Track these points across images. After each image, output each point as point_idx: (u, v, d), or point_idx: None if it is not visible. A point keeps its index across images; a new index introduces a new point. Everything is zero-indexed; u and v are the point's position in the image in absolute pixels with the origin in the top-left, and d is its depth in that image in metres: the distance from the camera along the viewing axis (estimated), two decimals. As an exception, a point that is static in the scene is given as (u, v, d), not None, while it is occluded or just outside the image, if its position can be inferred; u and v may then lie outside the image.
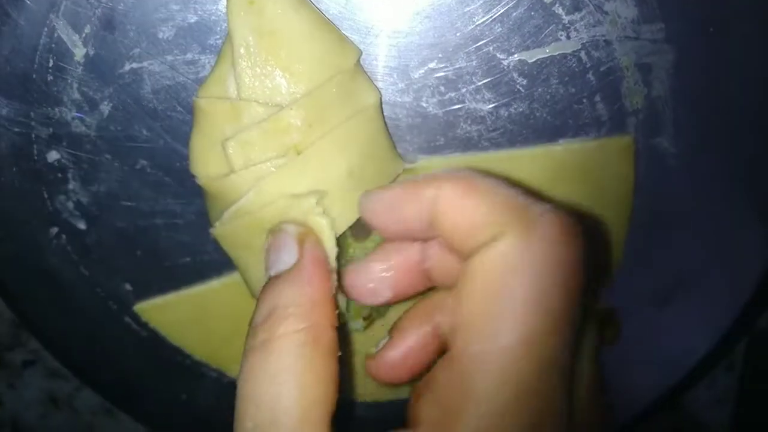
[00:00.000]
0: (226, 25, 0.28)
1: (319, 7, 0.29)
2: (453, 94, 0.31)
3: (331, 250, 0.26)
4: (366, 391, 0.39)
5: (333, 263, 0.25)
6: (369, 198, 0.25)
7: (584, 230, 0.22)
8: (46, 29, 0.31)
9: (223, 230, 0.30)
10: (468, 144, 0.32)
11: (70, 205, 0.35)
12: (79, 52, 0.31)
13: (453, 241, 0.22)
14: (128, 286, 0.37)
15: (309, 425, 0.20)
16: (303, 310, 0.22)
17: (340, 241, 0.29)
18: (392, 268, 0.26)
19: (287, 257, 0.24)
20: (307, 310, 0.22)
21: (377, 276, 0.27)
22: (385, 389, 0.38)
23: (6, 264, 0.37)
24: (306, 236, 0.25)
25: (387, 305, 0.27)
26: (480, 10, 0.29)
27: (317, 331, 0.22)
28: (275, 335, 0.22)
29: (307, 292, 0.23)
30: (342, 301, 0.32)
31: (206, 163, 0.29)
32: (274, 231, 0.25)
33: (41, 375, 0.47)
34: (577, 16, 0.29)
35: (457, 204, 0.22)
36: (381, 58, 0.30)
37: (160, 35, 0.30)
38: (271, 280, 0.24)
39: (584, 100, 0.31)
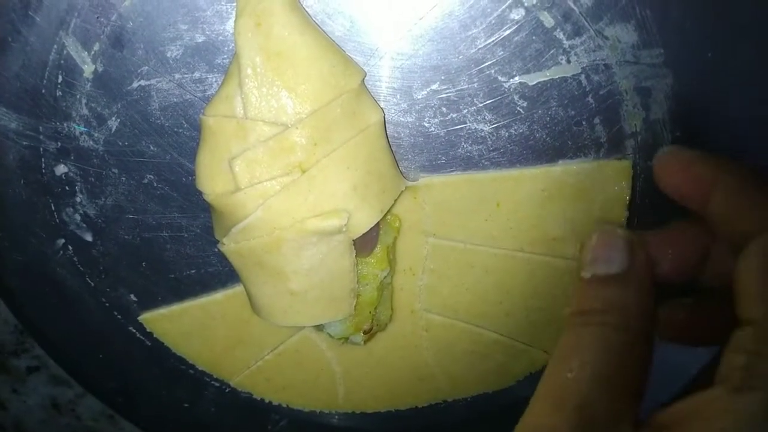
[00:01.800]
0: (233, 45, 0.29)
1: (324, 29, 0.30)
2: (455, 115, 0.31)
3: None
4: (367, 403, 0.39)
5: None
6: (666, 154, 0.27)
7: None
8: (55, 46, 0.31)
9: (235, 247, 0.30)
10: (469, 163, 0.32)
11: (77, 217, 0.35)
12: (88, 69, 0.32)
13: (725, 220, 0.25)
14: (133, 297, 0.37)
15: (623, 399, 0.23)
16: (636, 313, 0.24)
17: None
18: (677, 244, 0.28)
19: (619, 258, 0.25)
20: (635, 316, 0.24)
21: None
22: (386, 401, 0.39)
23: (13, 274, 0.37)
24: (637, 244, 0.26)
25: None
26: (482, 33, 0.30)
27: (642, 331, 0.24)
28: (608, 322, 0.24)
29: (637, 299, 0.25)
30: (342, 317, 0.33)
31: (213, 179, 0.30)
32: (602, 230, 0.26)
33: (45, 381, 0.47)
34: (577, 40, 0.30)
35: (735, 188, 0.25)
36: (385, 79, 0.31)
37: (169, 54, 0.31)
38: (602, 280, 0.25)
39: (583, 123, 0.31)
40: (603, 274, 0.25)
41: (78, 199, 0.35)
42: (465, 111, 0.31)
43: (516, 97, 0.31)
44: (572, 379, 0.23)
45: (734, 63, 0.30)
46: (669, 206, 0.33)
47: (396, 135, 0.32)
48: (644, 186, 0.32)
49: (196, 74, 0.31)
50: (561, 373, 0.24)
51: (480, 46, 0.30)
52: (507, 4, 0.29)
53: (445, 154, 0.32)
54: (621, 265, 0.25)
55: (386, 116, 0.31)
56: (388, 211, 0.32)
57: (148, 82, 0.32)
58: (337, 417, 0.40)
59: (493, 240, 0.34)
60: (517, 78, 0.31)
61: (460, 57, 0.30)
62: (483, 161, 0.32)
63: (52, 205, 0.35)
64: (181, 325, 0.38)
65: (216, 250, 0.35)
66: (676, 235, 0.28)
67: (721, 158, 0.26)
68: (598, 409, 0.23)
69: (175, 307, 0.37)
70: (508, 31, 0.30)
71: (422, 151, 0.32)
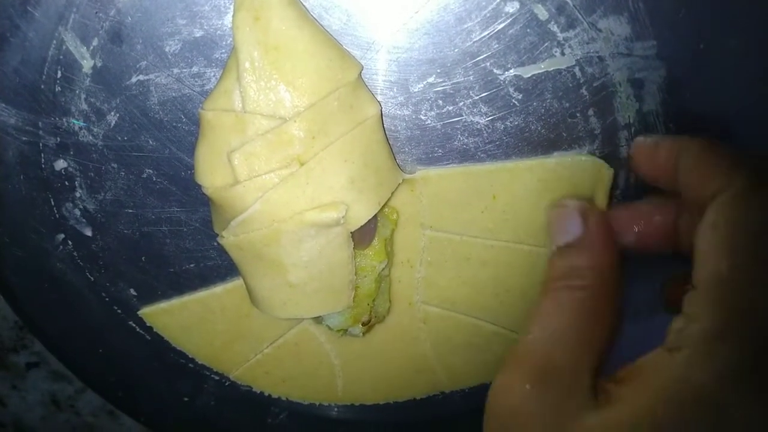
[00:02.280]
0: (231, 39, 0.29)
1: (321, 23, 0.30)
2: (451, 108, 0.32)
3: None
4: (365, 395, 0.40)
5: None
6: (635, 143, 0.30)
7: None
8: (54, 41, 0.32)
9: (234, 240, 0.31)
10: (465, 155, 0.33)
11: (77, 212, 0.35)
12: (87, 64, 0.32)
13: (690, 189, 0.26)
14: (133, 291, 0.37)
15: (579, 353, 0.25)
16: (592, 274, 0.27)
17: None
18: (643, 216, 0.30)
19: (574, 228, 0.28)
20: (596, 275, 0.27)
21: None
22: (388, 392, 0.39)
23: (13, 269, 0.37)
24: (590, 210, 0.28)
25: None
26: (477, 27, 0.30)
27: (598, 291, 0.26)
28: (567, 285, 0.27)
29: (595, 261, 0.27)
30: (341, 309, 0.33)
31: (212, 173, 0.30)
32: (556, 206, 0.29)
33: (44, 377, 0.48)
34: (571, 33, 0.30)
35: (695, 156, 0.26)
36: (381, 73, 0.31)
37: (167, 48, 0.31)
38: (562, 250, 0.28)
39: (578, 115, 0.32)
40: (562, 244, 0.28)
41: (77, 194, 0.35)
42: (461, 104, 0.32)
43: (511, 90, 0.31)
44: (531, 341, 0.26)
45: (726, 54, 0.31)
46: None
47: (393, 128, 0.32)
48: (637, 177, 0.33)
49: (195, 69, 0.32)
50: (522, 337, 0.26)
51: (475, 39, 0.30)
52: (502, -3, 0.30)
53: (441, 146, 0.33)
54: (575, 233, 0.28)
55: (383, 109, 0.31)
56: (386, 203, 0.32)
57: (146, 77, 0.32)
58: (336, 409, 0.40)
59: (489, 232, 0.34)
60: (512, 70, 0.31)
61: (456, 50, 0.31)
62: (479, 153, 0.33)
63: (52, 200, 0.35)
64: (180, 319, 0.38)
65: (215, 243, 0.35)
66: (643, 207, 0.30)
67: (681, 137, 0.28)
68: (557, 364, 0.25)
69: (175, 302, 0.37)
70: (502, 24, 0.30)
71: (419, 144, 0.33)
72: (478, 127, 0.32)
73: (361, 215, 0.30)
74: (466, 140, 0.32)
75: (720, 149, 0.26)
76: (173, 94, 0.32)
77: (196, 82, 0.32)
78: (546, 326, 0.26)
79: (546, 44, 0.30)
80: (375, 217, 0.31)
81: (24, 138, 0.34)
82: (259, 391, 0.40)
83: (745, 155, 0.26)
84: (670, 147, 0.28)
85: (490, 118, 0.32)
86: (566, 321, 0.26)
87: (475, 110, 0.32)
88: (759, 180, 0.24)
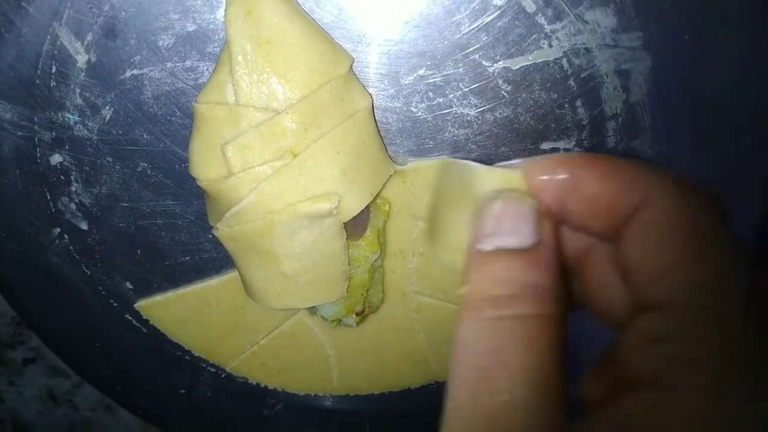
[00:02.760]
0: (224, 33, 0.30)
1: (313, 17, 0.30)
2: (441, 100, 0.32)
3: None
4: (360, 385, 0.40)
5: None
6: (511, 166, 0.24)
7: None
8: (49, 37, 0.32)
9: (229, 232, 0.31)
10: (455, 147, 0.33)
11: (73, 206, 0.36)
12: (82, 59, 0.32)
13: (590, 217, 0.23)
14: (129, 285, 0.38)
15: (538, 393, 0.20)
16: (540, 295, 0.21)
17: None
18: None
19: (527, 231, 0.22)
20: (545, 297, 0.21)
21: None
22: (379, 384, 0.40)
23: (9, 264, 0.38)
24: (549, 217, 0.23)
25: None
26: (466, 19, 0.31)
27: (547, 320, 0.21)
28: (507, 314, 0.20)
29: (547, 280, 0.21)
30: (336, 299, 0.34)
31: (206, 165, 0.30)
32: (511, 197, 0.23)
33: (41, 372, 0.48)
34: (558, 25, 0.31)
35: (595, 181, 0.22)
36: (373, 65, 0.32)
37: (160, 43, 0.32)
38: (506, 254, 0.22)
39: (566, 106, 0.32)
40: (511, 247, 0.21)
41: (73, 188, 0.35)
42: (451, 96, 0.32)
43: (500, 81, 0.32)
44: (506, 406, 0.19)
45: (711, 45, 0.31)
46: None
47: (384, 120, 0.33)
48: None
49: (188, 63, 0.32)
50: (491, 395, 0.20)
51: (464, 32, 0.31)
52: (490, -10, 0.30)
53: (432, 138, 0.33)
54: (531, 238, 0.22)
55: (374, 102, 0.32)
56: (378, 194, 0.33)
57: (140, 72, 0.32)
58: (331, 400, 0.40)
59: (480, 222, 0.35)
60: (500, 62, 0.31)
61: (446, 42, 0.31)
62: (469, 144, 0.33)
63: (48, 194, 0.35)
64: (176, 311, 0.38)
65: (210, 236, 0.35)
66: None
67: (572, 156, 0.24)
68: None
69: (171, 294, 0.38)
70: (491, 17, 0.31)
71: (410, 136, 0.33)
72: (468, 118, 0.33)
73: (353, 206, 0.31)
74: (456, 132, 0.33)
75: (611, 166, 0.23)
76: (167, 88, 0.33)
77: (189, 75, 0.32)
78: (517, 382, 0.19)
79: (534, 36, 0.31)
80: (367, 208, 0.32)
81: (19, 133, 0.34)
82: (255, 383, 0.40)
83: (653, 171, 0.23)
84: (554, 181, 0.23)
85: (480, 109, 0.32)
86: (542, 371, 0.20)
87: (464, 102, 0.32)
88: (668, 194, 0.22)
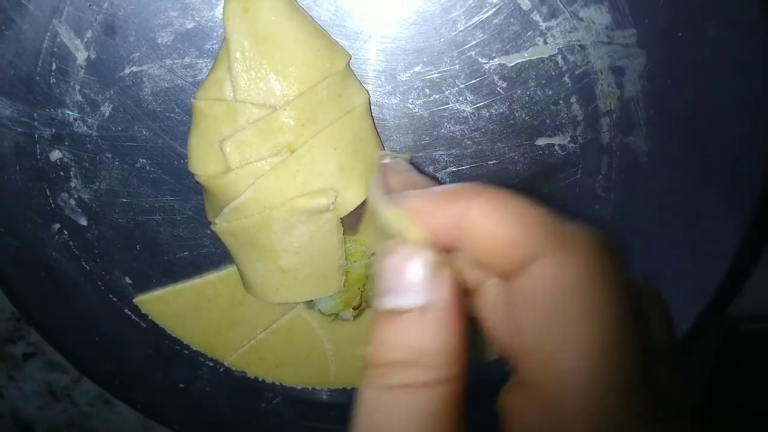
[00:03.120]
0: (222, 30, 0.30)
1: (310, 14, 0.31)
2: (437, 96, 0.33)
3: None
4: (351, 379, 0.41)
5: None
6: (402, 202, 0.22)
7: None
8: (48, 34, 0.32)
9: (227, 227, 0.31)
10: (451, 143, 0.33)
11: (72, 202, 0.36)
12: (81, 56, 0.33)
13: (482, 257, 0.21)
14: (128, 280, 0.38)
15: None
16: (433, 362, 0.20)
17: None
18: None
19: (419, 289, 0.20)
20: (438, 363, 0.20)
21: None
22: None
23: (9, 259, 0.38)
24: (442, 268, 0.20)
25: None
26: (463, 17, 0.31)
27: (447, 386, 0.20)
28: (396, 383, 0.20)
29: (440, 342, 0.20)
30: (332, 293, 0.34)
31: (205, 161, 0.31)
32: (403, 252, 0.21)
33: (41, 367, 0.48)
34: (553, 22, 0.31)
35: (488, 221, 0.20)
36: (370, 62, 0.32)
37: (159, 40, 0.32)
38: (400, 315, 0.20)
39: (561, 102, 0.33)
40: (405, 307, 0.20)
41: (72, 184, 0.36)
42: (447, 92, 0.32)
43: (496, 78, 0.32)
44: None
45: (704, 42, 0.32)
46: (645, 180, 0.34)
47: (381, 116, 0.33)
48: (619, 163, 0.34)
49: (187, 59, 0.32)
50: None
51: (461, 29, 0.31)
52: (485, -13, 0.31)
53: (428, 134, 0.33)
54: (422, 297, 0.20)
55: (371, 98, 0.32)
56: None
57: (139, 68, 0.33)
58: (328, 393, 0.41)
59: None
60: (496, 59, 0.32)
61: (442, 39, 0.31)
62: (465, 140, 0.33)
63: (47, 190, 0.36)
64: (175, 306, 0.39)
65: (208, 231, 0.35)
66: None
67: (463, 193, 0.21)
68: None
69: (170, 289, 0.38)
70: (487, 14, 0.31)
71: (407, 132, 0.33)
72: (464, 114, 0.33)
73: (350, 201, 0.31)
74: (452, 128, 0.33)
75: (510, 209, 0.20)
76: (166, 85, 0.33)
77: (188, 72, 0.32)
78: None
79: (529, 33, 0.31)
80: (364, 203, 0.32)
81: (19, 129, 0.34)
82: (253, 377, 0.40)
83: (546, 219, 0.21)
84: (448, 213, 0.21)
85: (476, 106, 0.33)
86: None
87: (461, 98, 0.33)
88: (566, 247, 0.20)
